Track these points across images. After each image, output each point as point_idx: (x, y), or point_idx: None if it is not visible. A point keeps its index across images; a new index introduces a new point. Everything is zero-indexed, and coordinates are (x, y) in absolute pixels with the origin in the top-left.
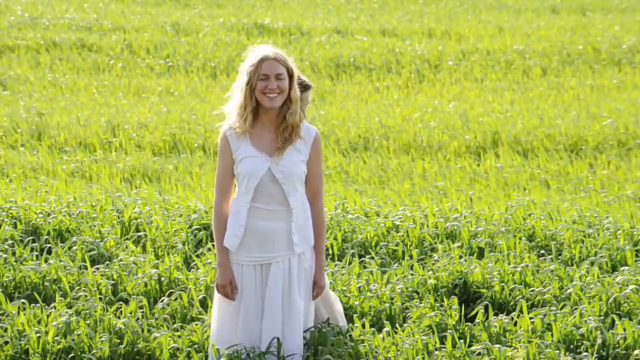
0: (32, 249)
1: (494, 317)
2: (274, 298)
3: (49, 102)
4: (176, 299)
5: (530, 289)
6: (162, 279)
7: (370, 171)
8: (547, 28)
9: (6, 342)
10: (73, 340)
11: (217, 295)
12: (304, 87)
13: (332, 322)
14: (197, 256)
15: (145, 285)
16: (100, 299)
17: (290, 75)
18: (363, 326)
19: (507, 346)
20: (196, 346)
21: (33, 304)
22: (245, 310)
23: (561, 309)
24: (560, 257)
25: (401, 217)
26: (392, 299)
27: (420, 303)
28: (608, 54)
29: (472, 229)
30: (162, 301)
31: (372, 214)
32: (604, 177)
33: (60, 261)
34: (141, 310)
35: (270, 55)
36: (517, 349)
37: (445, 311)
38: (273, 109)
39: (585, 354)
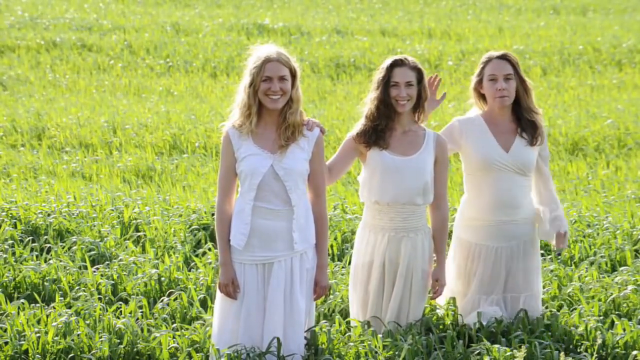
0: (32, 249)
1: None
2: (275, 298)
3: (49, 102)
4: (176, 299)
5: None
6: (162, 279)
7: None
8: (547, 28)
9: (6, 342)
10: (73, 340)
11: (219, 295)
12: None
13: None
14: (197, 256)
15: (145, 285)
16: (100, 299)
17: (293, 75)
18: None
19: (507, 346)
20: (197, 346)
21: (33, 304)
22: (247, 310)
23: (560, 309)
24: (559, 257)
25: None
26: None
27: None
28: (608, 54)
29: None
30: (161, 301)
31: None
32: (604, 177)
33: (60, 261)
34: (141, 310)
35: (273, 57)
36: (517, 349)
37: (445, 311)
38: (275, 109)
39: (585, 354)
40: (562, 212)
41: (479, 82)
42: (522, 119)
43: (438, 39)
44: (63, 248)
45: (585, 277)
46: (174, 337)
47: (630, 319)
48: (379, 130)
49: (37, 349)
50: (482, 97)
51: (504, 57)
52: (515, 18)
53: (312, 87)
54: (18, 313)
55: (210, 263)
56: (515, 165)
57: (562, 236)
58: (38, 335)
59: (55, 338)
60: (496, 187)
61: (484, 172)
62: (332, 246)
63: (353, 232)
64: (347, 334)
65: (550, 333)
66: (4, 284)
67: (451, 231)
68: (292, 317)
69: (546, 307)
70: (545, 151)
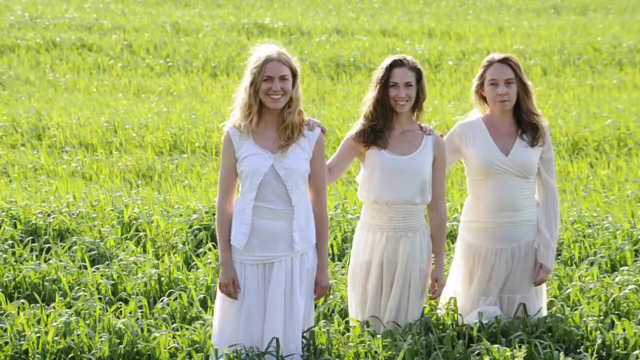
0: (32, 249)
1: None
2: (276, 298)
3: (49, 102)
4: (176, 299)
5: None
6: (162, 279)
7: None
8: (547, 28)
9: (6, 342)
10: (73, 340)
11: (219, 295)
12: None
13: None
14: (197, 256)
15: (145, 285)
16: (100, 299)
17: (294, 75)
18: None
19: (507, 346)
20: (197, 346)
21: (33, 304)
22: (248, 310)
23: (563, 310)
24: (559, 257)
25: None
26: None
27: None
28: (608, 54)
29: None
30: (161, 301)
31: None
32: (604, 177)
33: (60, 261)
34: (141, 310)
35: (274, 57)
36: (517, 349)
37: (445, 311)
38: (276, 109)
39: (585, 354)
40: (555, 240)
41: (480, 85)
42: (522, 121)
43: (438, 39)
44: (63, 248)
45: (585, 277)
46: (174, 337)
47: (630, 319)
48: (377, 130)
49: (37, 349)
50: (483, 99)
51: (505, 61)
52: (515, 18)
53: (312, 87)
54: (18, 313)
55: (210, 263)
56: (515, 168)
57: (539, 268)
58: (38, 335)
59: (55, 338)
60: (496, 190)
61: (485, 175)
62: (332, 246)
63: (353, 232)
64: (346, 334)
65: (550, 333)
66: (4, 284)
67: (452, 231)
68: (292, 317)
69: (551, 309)
70: (547, 154)
